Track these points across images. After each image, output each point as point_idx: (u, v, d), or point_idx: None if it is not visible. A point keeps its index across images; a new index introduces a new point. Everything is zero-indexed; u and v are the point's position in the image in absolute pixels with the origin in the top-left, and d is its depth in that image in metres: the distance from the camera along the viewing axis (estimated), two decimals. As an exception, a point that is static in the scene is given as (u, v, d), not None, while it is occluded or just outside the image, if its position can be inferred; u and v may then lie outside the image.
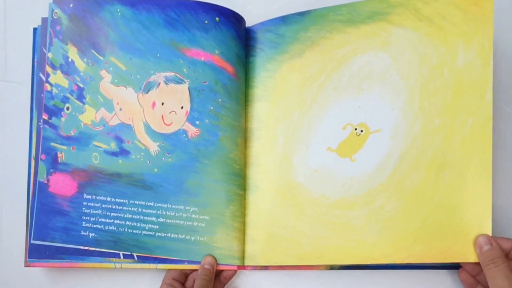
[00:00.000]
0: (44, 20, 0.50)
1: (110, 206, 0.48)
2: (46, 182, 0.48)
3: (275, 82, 0.51)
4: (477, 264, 0.45)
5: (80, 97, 0.48)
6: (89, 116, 0.48)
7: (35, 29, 0.52)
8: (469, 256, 0.44)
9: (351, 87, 0.48)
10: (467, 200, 0.44)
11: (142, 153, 0.48)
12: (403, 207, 0.46)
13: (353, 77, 0.48)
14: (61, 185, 0.48)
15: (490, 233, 0.44)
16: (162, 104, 0.48)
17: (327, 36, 0.49)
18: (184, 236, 0.48)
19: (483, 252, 0.44)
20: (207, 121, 0.48)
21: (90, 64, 0.48)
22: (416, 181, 0.46)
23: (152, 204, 0.48)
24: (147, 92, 0.48)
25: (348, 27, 0.48)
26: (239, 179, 0.50)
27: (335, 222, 0.47)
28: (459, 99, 0.45)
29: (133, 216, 0.48)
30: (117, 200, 0.48)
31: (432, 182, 0.45)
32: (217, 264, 0.48)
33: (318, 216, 0.48)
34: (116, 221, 0.48)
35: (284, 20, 0.50)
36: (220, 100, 0.49)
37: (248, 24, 0.52)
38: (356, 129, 0.47)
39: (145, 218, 0.48)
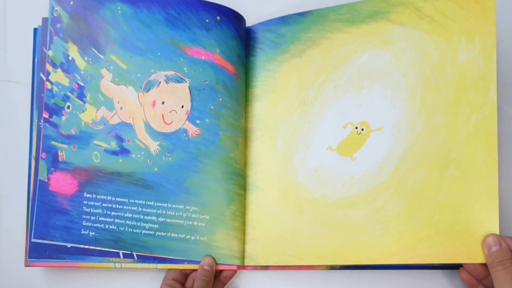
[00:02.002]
0: (44, 20, 0.50)
1: (110, 205, 0.48)
2: (46, 180, 0.48)
3: (275, 82, 0.51)
4: (480, 264, 0.44)
5: (81, 96, 0.48)
6: (89, 115, 0.48)
7: (35, 30, 0.52)
8: (475, 256, 0.43)
9: (352, 85, 0.48)
10: (473, 198, 0.43)
11: (143, 152, 0.48)
12: (406, 206, 0.45)
13: (354, 76, 0.48)
14: (62, 183, 0.48)
15: (497, 232, 0.43)
16: (163, 103, 0.48)
17: (327, 36, 0.49)
18: (184, 235, 0.48)
19: (491, 252, 0.42)
20: (207, 120, 0.48)
21: (90, 62, 0.48)
22: (419, 179, 0.45)
23: (152, 203, 0.48)
24: (148, 91, 0.48)
25: (348, 27, 0.48)
26: (240, 179, 0.50)
27: (335, 222, 0.47)
28: (462, 95, 0.44)
29: (133, 215, 0.48)
30: (117, 199, 0.48)
31: (436, 180, 0.44)
32: (217, 264, 0.48)
33: (318, 216, 0.48)
34: (116, 220, 0.48)
35: (284, 20, 0.50)
36: (220, 99, 0.49)
37: (248, 24, 0.52)
38: (356, 127, 0.47)
39: (145, 217, 0.48)
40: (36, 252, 0.47)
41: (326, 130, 0.48)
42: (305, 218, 0.48)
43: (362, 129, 0.47)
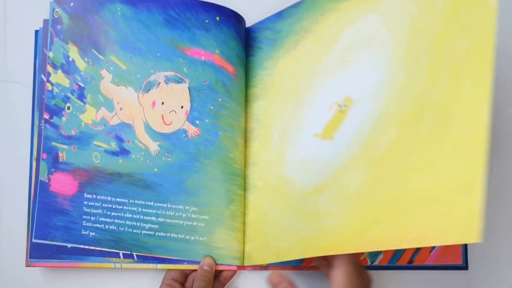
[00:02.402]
0: (45, 22, 0.50)
1: (110, 206, 0.48)
2: (47, 181, 0.48)
3: (271, 79, 0.50)
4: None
5: (81, 97, 0.49)
6: (89, 115, 0.48)
7: (36, 31, 0.52)
8: (467, 236, 0.30)
9: (339, 63, 0.44)
10: (456, 145, 0.32)
11: (142, 153, 0.48)
12: (369, 178, 0.37)
13: (342, 52, 0.44)
14: (62, 184, 0.48)
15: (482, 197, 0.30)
16: (162, 103, 0.48)
17: (319, 20, 0.47)
18: (183, 236, 0.48)
19: None
20: (207, 120, 0.49)
21: (90, 63, 0.48)
22: (388, 142, 0.36)
23: (152, 203, 0.48)
24: (147, 92, 0.48)
25: (339, 3, 0.45)
26: (239, 179, 0.50)
27: (306, 211, 0.43)
28: (453, 22, 0.35)
29: (133, 216, 0.48)
30: (117, 199, 0.48)
31: (408, 137, 0.35)
32: (217, 264, 0.48)
33: (296, 207, 0.45)
34: (116, 221, 0.48)
35: (280, 15, 0.50)
36: (220, 99, 0.49)
37: (248, 24, 0.52)
38: (340, 105, 0.43)
39: (145, 217, 0.48)
40: (37, 252, 0.47)
41: (314, 117, 0.46)
42: (288, 212, 0.46)
43: (345, 105, 0.42)
